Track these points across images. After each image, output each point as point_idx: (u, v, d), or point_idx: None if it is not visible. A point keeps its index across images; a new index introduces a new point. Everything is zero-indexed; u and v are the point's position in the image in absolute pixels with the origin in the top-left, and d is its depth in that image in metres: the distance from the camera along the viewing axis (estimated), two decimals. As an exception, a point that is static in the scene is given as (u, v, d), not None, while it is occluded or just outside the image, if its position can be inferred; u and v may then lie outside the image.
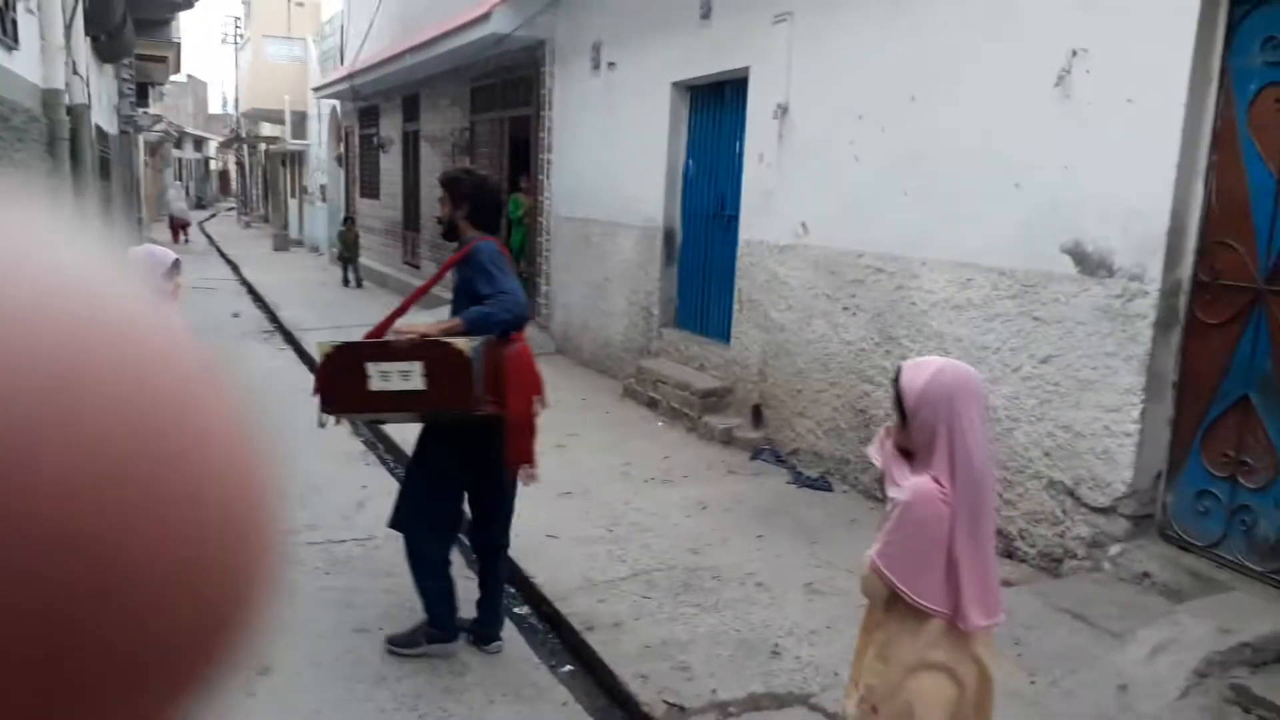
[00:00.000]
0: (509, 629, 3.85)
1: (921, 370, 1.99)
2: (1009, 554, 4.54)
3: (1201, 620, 3.49)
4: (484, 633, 3.67)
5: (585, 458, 6.16)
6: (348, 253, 16.61)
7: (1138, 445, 4.04)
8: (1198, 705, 3.13)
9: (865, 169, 5.54)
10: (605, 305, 8.84)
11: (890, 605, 2.02)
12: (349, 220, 17.65)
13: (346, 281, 16.47)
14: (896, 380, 2.04)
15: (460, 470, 3.54)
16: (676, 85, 7.57)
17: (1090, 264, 4.23)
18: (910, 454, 2.02)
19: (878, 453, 2.11)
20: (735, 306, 6.75)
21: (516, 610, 4.14)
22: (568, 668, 3.67)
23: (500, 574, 3.78)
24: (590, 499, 5.31)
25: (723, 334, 7.05)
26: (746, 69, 6.57)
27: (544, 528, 4.82)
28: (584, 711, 3.26)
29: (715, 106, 7.35)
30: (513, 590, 4.35)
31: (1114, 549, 4.12)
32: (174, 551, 0.26)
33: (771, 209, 6.37)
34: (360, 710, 3.15)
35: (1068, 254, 4.32)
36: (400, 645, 3.56)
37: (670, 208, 7.80)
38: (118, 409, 0.26)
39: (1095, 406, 4.19)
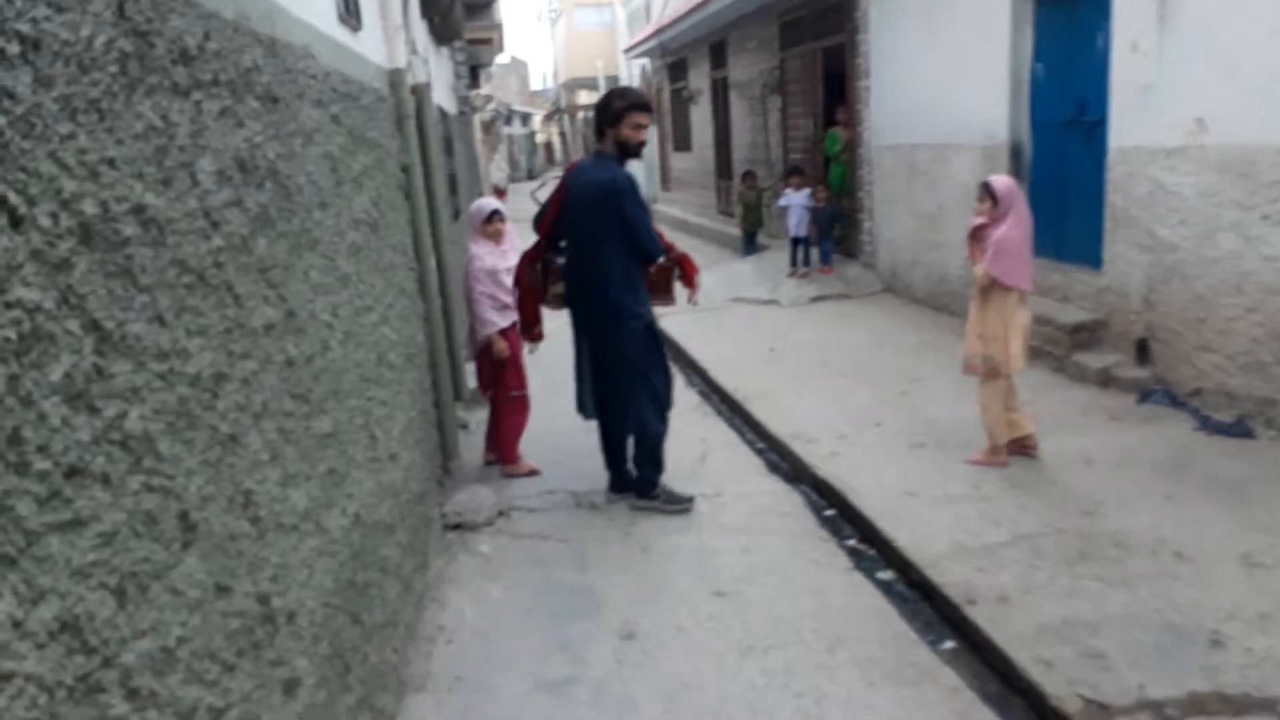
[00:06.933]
0: (877, 595, 3.52)
1: (1003, 180, 4.25)
2: None
3: None
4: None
5: (933, 405, 5.63)
6: (750, 218, 11.95)
7: None
8: None
9: (1287, 40, 4.44)
10: (938, 237, 8.09)
11: (988, 289, 4.29)
12: (749, 176, 12.19)
13: (750, 248, 11.91)
14: (989, 185, 4.24)
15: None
16: (1019, -21, 6.64)
17: None
18: (984, 226, 4.29)
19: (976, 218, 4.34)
20: (1106, 225, 5.80)
21: (880, 575, 3.78)
22: (949, 644, 3.25)
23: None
24: (946, 452, 4.79)
25: (1089, 258, 6.10)
26: (1111, -57, 5.55)
27: (899, 484, 4.40)
28: (978, 700, 2.83)
29: (1069, -4, 6.35)
30: (873, 552, 4.00)
31: None
32: None
33: (1151, 106, 5.36)
34: (731, 685, 2.94)
35: None
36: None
37: (1016, 120, 6.90)
38: None
39: None
